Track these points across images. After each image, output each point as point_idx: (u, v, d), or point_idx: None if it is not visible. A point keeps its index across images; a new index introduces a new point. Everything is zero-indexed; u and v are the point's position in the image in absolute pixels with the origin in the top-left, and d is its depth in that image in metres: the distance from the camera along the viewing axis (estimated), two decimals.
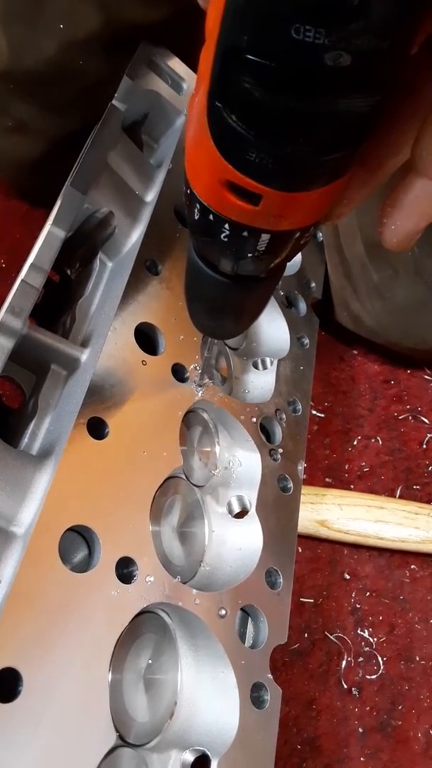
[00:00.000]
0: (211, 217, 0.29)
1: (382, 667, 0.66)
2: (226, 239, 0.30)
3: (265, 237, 0.29)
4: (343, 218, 0.35)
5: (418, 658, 0.67)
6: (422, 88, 0.28)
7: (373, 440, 0.80)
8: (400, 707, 0.64)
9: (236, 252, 0.31)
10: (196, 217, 0.30)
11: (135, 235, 0.56)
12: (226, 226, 0.29)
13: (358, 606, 0.69)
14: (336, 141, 0.24)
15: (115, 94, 0.55)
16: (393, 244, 0.33)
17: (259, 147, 0.24)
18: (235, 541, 0.53)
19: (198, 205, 0.30)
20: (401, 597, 0.70)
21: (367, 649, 0.67)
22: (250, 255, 0.31)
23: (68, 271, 0.54)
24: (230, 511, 0.55)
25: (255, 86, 0.22)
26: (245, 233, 0.29)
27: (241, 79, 0.22)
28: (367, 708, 0.64)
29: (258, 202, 0.26)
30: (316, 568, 0.70)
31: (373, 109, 0.23)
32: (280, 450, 0.59)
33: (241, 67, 0.22)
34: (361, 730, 0.63)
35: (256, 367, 0.64)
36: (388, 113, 0.29)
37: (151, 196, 0.58)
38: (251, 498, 0.55)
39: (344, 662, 0.65)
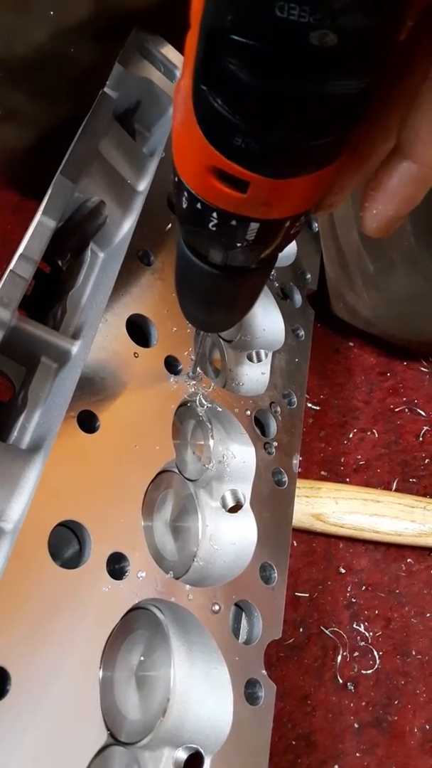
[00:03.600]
0: (198, 205, 0.29)
1: (377, 662, 0.65)
2: (214, 228, 0.29)
3: (254, 226, 0.29)
4: (335, 208, 0.34)
5: (414, 653, 0.67)
6: (413, 70, 0.28)
7: (369, 433, 0.80)
8: (396, 702, 0.64)
9: (225, 242, 0.30)
10: (184, 206, 0.30)
11: (127, 225, 0.55)
12: (214, 214, 0.28)
13: (353, 600, 0.69)
14: (324, 125, 0.23)
15: (107, 82, 0.54)
16: (373, 229, 0.33)
17: (245, 131, 0.23)
18: (229, 536, 0.53)
19: (186, 193, 0.29)
20: (397, 591, 0.70)
21: (362, 643, 0.66)
22: (239, 245, 0.30)
23: (59, 262, 0.54)
24: (224, 506, 0.54)
25: (239, 68, 0.21)
26: (234, 222, 0.28)
27: (226, 60, 0.21)
28: (363, 703, 0.63)
29: (246, 190, 0.26)
30: (311, 562, 0.70)
31: (362, 91, 0.22)
32: (275, 443, 0.59)
33: (225, 48, 0.21)
34: (356, 725, 0.62)
35: (250, 359, 0.64)
36: (379, 96, 0.28)
37: (143, 186, 0.57)
38: (245, 492, 0.54)
39: (340, 657, 0.65)
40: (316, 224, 0.79)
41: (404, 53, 0.28)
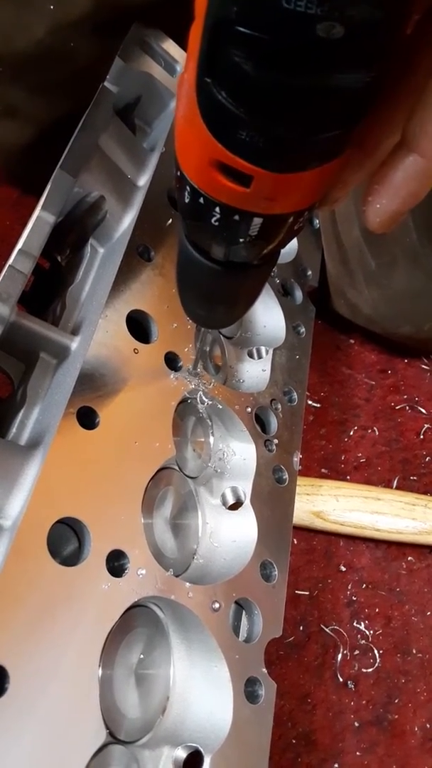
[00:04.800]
0: (201, 200, 0.28)
1: (378, 660, 0.65)
2: (217, 223, 0.29)
3: (257, 221, 0.28)
4: (339, 204, 0.34)
5: (414, 651, 0.66)
6: (419, 64, 0.27)
7: (369, 430, 0.79)
8: (396, 701, 0.64)
9: (228, 237, 0.30)
10: (187, 201, 0.29)
11: (127, 221, 0.55)
12: (217, 209, 0.28)
13: (354, 598, 0.68)
14: (330, 119, 0.23)
15: (107, 76, 0.54)
16: (376, 224, 0.32)
17: (250, 125, 0.23)
18: (229, 533, 0.53)
19: (188, 188, 0.29)
20: (398, 589, 0.70)
21: (363, 641, 0.66)
22: (242, 240, 0.30)
23: (58, 258, 0.53)
24: (224, 503, 0.54)
25: (244, 60, 0.21)
26: (236, 217, 0.28)
27: (231, 52, 0.21)
28: (363, 701, 0.63)
29: (249, 184, 0.25)
30: (311, 560, 0.70)
31: (368, 85, 0.22)
32: (276, 440, 0.58)
33: (230, 39, 0.21)
34: (357, 724, 0.62)
35: (251, 356, 0.63)
36: (385, 90, 0.28)
37: (143, 181, 0.57)
38: (246, 489, 0.54)
39: (340, 655, 0.65)
40: (317, 221, 0.78)
41: (410, 46, 0.27)
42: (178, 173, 0.29)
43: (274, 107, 0.22)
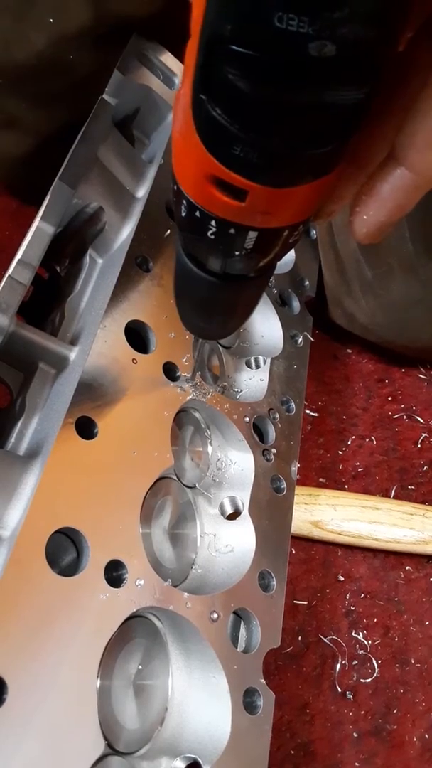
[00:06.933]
0: (197, 214, 0.29)
1: (376, 670, 0.65)
2: (213, 237, 0.29)
3: (252, 235, 0.29)
4: (334, 217, 0.34)
5: (413, 661, 0.66)
6: (411, 79, 0.28)
7: (367, 440, 0.80)
8: (395, 711, 0.63)
9: (224, 250, 0.30)
10: (183, 214, 0.30)
11: (125, 232, 0.55)
12: (213, 223, 0.28)
13: (352, 608, 0.68)
14: (323, 134, 0.23)
15: (106, 89, 0.54)
16: (362, 234, 0.32)
17: (244, 141, 0.23)
18: (228, 543, 0.53)
19: (185, 202, 0.29)
20: (396, 599, 0.70)
21: (361, 651, 0.66)
22: (237, 253, 0.30)
23: (57, 268, 0.53)
24: (222, 513, 0.54)
25: (238, 77, 0.21)
26: (232, 231, 0.28)
27: (225, 70, 0.21)
28: (362, 712, 0.63)
29: (244, 198, 0.26)
30: (309, 569, 0.70)
31: (361, 101, 0.22)
32: (274, 450, 0.59)
33: (224, 57, 0.21)
34: (355, 734, 0.62)
35: (249, 365, 0.64)
36: (378, 106, 0.28)
37: (142, 192, 0.57)
38: (244, 499, 0.54)
39: (338, 665, 0.65)
40: (315, 231, 0.79)
41: (402, 62, 0.28)
42: (175, 187, 0.29)
43: (267, 124, 0.22)
